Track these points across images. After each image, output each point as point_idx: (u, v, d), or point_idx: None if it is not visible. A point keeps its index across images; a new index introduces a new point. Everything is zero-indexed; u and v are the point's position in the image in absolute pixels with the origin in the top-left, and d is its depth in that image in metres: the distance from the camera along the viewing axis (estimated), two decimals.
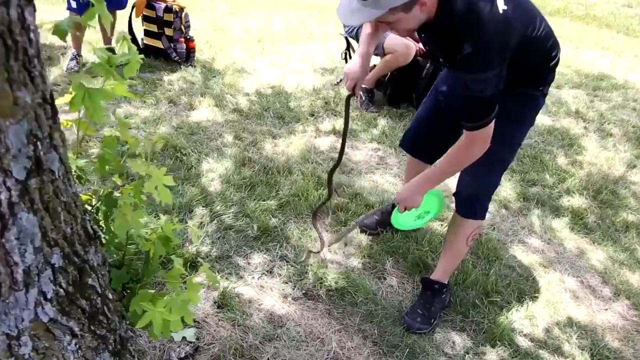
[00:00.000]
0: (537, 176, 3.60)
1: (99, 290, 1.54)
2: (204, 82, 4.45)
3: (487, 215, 3.11)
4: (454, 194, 2.32)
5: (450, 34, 1.77)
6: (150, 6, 4.59)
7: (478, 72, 1.77)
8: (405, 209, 2.16)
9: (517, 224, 3.11)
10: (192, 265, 2.48)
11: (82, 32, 4.57)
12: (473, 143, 1.92)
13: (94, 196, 1.77)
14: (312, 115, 4.05)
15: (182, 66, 4.66)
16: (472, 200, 2.24)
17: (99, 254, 1.59)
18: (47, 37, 5.16)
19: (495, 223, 3.08)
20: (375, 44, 2.34)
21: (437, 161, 2.43)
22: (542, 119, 4.49)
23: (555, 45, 2.03)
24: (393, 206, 2.44)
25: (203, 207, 2.91)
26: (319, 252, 2.55)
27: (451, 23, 1.75)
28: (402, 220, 2.29)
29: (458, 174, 2.26)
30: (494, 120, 1.86)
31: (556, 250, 2.95)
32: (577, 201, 3.39)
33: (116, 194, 1.79)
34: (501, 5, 1.73)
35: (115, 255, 1.77)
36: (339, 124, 3.92)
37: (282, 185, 3.12)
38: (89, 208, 1.77)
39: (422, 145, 2.55)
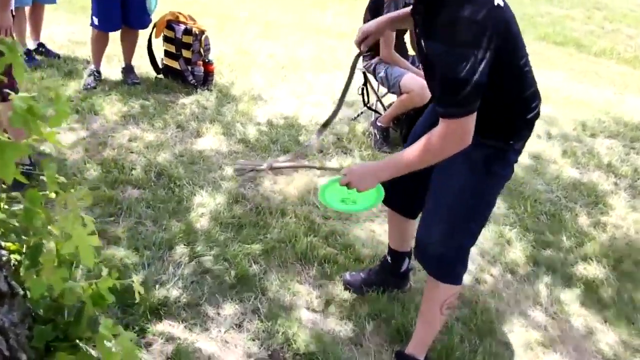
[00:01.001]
0: (552, 237, 3.33)
1: (7, 352, 1.40)
2: (217, 107, 4.34)
3: (489, 279, 2.89)
4: (415, 246, 2.15)
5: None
6: (170, 27, 4.53)
7: (454, 45, 1.67)
8: (347, 186, 1.87)
9: (522, 293, 2.85)
10: (156, 312, 2.32)
11: (103, 48, 4.53)
12: (445, 134, 1.74)
13: (24, 246, 1.63)
14: (321, 151, 3.87)
15: (198, 89, 4.56)
16: (441, 260, 2.05)
17: (14, 312, 1.45)
18: (73, 51, 5.18)
19: (497, 290, 2.83)
20: (400, 24, 2.32)
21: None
22: (568, 171, 4.21)
23: (536, 97, 1.91)
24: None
25: (185, 245, 2.77)
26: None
27: None
28: (328, 194, 2.01)
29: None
30: (471, 119, 1.71)
31: (561, 328, 2.67)
32: (593, 270, 3.10)
33: (52, 243, 1.65)
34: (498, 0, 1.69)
35: (41, 311, 1.62)
36: (347, 163, 3.74)
37: (271, 228, 2.95)
38: (18, 258, 1.63)
39: (399, 198, 2.31)
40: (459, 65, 1.64)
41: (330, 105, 4.69)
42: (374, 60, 4.04)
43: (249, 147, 3.80)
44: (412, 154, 1.79)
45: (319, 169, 2.15)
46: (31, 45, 4.96)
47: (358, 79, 4.43)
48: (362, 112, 4.44)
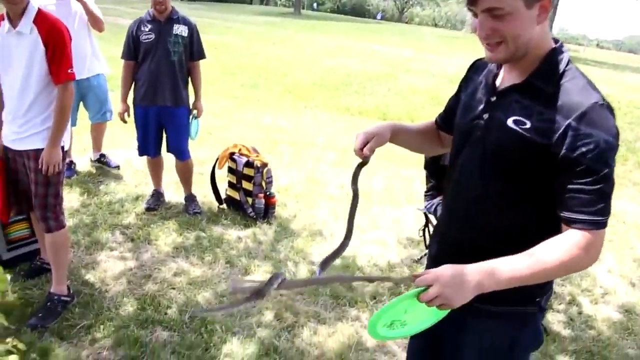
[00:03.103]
0: None
1: None
2: (273, 243, 4.19)
3: None
4: None
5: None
6: (233, 159, 4.54)
7: (608, 133, 1.32)
8: (428, 303, 1.30)
9: None
10: None
11: (155, 171, 4.75)
12: (586, 245, 1.32)
13: None
14: (374, 298, 3.55)
15: (257, 222, 4.46)
16: None
17: None
18: (146, 175, 5.31)
19: None
20: (403, 136, 1.85)
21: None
22: None
23: None
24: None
25: None
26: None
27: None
28: (386, 317, 1.37)
29: None
30: None
31: None
32: None
33: None
34: None
35: None
36: None
37: None
38: None
39: None
40: (610, 159, 1.33)
41: (393, 244, 4.43)
42: (435, 200, 3.78)
43: (296, 290, 3.56)
44: (538, 257, 1.33)
45: (368, 280, 1.32)
46: (93, 156, 5.50)
47: (419, 219, 4.16)
48: (425, 254, 4.12)
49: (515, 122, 1.41)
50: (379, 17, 53.27)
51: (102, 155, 5.47)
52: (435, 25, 60.63)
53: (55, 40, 2.80)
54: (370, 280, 1.27)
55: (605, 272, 4.32)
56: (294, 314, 3.28)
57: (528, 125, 1.38)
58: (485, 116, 1.50)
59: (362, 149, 1.66)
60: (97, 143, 5.47)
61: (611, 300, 3.91)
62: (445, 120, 1.82)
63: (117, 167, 5.42)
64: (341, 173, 6.04)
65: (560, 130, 1.32)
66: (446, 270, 1.31)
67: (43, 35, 2.80)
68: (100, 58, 5.17)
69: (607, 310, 3.77)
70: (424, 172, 4.07)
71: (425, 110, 10.40)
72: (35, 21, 2.81)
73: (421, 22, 64.11)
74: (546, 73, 1.40)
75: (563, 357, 3.17)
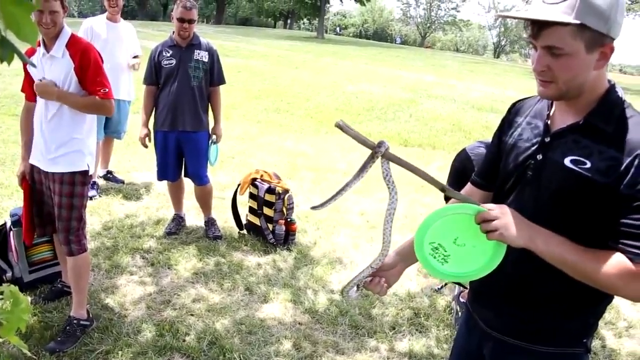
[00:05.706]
0: None
1: None
2: (292, 270, 4.17)
3: None
4: None
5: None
6: (254, 185, 4.55)
7: None
8: (481, 225, 1.35)
9: None
10: None
11: (176, 194, 4.77)
12: (635, 276, 1.30)
13: None
14: (393, 328, 3.51)
15: (277, 249, 4.45)
16: None
17: None
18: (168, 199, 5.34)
19: None
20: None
21: None
22: None
23: None
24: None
25: None
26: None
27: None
28: (434, 233, 1.41)
29: None
30: None
31: None
32: None
33: None
34: None
35: None
36: (420, 345, 3.33)
37: None
38: None
39: None
40: None
41: (413, 273, 4.38)
42: None
43: (315, 319, 3.53)
44: (590, 259, 1.33)
45: (443, 189, 1.24)
46: (100, 172, 5.66)
47: None
48: (445, 284, 4.07)
49: (573, 162, 1.38)
50: (398, 41, 53.71)
51: (109, 172, 5.75)
52: (457, 50, 60.83)
53: (88, 63, 2.88)
54: (444, 190, 1.22)
55: (629, 305, 4.21)
56: (312, 344, 3.25)
57: (588, 165, 1.36)
58: (539, 157, 1.47)
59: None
60: (105, 159, 5.70)
61: (636, 334, 3.79)
62: (487, 174, 1.71)
63: (122, 182, 5.72)
64: (362, 201, 6.02)
65: (622, 168, 1.31)
66: (510, 210, 1.38)
67: (75, 58, 2.87)
68: (132, 85, 5.44)
69: (632, 344, 3.66)
70: (441, 199, 4.03)
71: (447, 136, 10.37)
72: (67, 45, 2.89)
73: (443, 47, 64.35)
74: (605, 113, 1.38)
75: None
